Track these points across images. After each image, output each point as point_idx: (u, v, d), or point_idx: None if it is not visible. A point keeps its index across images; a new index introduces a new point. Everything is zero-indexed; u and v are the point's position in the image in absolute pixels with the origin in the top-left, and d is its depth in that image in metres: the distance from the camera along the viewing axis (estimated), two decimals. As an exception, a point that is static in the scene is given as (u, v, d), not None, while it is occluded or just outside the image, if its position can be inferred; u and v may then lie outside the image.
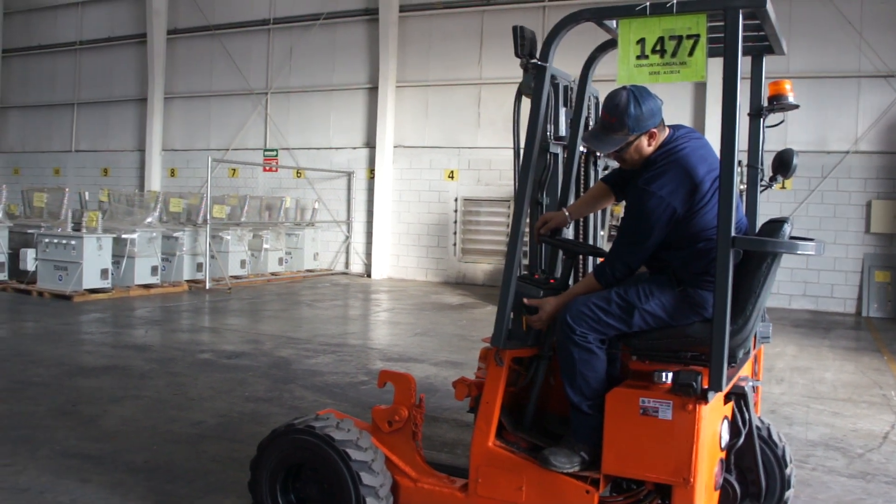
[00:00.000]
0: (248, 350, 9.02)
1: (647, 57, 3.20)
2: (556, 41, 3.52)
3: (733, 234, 3.10)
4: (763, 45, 4.01)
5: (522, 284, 3.73)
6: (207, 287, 14.81)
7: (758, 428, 3.98)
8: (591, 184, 4.52)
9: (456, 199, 17.83)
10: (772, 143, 4.29)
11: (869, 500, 4.91)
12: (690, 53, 3.13)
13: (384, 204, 18.34)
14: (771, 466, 4.09)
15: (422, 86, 18.26)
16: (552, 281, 3.89)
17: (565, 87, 4.38)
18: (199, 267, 15.24)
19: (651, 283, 3.54)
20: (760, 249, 3.31)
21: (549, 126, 4.21)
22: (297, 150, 19.70)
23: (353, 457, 3.70)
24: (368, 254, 18.75)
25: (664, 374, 3.32)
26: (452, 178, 17.82)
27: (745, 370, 3.88)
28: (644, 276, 3.64)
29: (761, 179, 4.22)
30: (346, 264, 19.28)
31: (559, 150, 4.34)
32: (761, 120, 4.19)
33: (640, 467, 3.31)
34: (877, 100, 14.38)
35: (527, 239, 4.06)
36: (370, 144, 18.69)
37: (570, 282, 4.06)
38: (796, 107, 4.20)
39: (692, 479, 3.18)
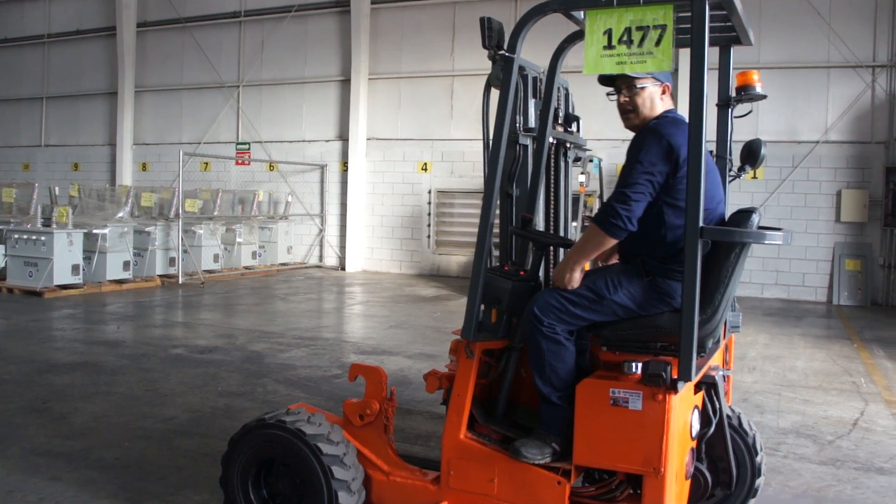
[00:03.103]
0: (221, 345, 8.97)
1: (613, 47, 3.20)
2: (524, 32, 3.51)
3: (701, 224, 3.10)
4: (731, 36, 4.03)
5: (492, 276, 3.72)
6: (180, 282, 14.72)
7: (728, 417, 4.00)
8: (562, 175, 4.51)
9: (429, 192, 17.81)
10: (743, 133, 4.32)
11: (839, 487, 4.97)
12: (657, 43, 3.13)
13: (358, 196, 18.28)
14: (742, 455, 4.12)
15: (394, 78, 18.20)
16: (522, 273, 3.88)
17: (534, 79, 4.37)
18: (172, 262, 15.11)
19: (620, 274, 3.54)
20: (728, 240, 3.32)
21: (518, 117, 4.20)
22: (270, 144, 19.58)
23: (324, 451, 3.68)
24: (342, 247, 18.69)
25: (634, 364, 3.32)
26: (426, 170, 17.79)
27: (716, 359, 3.91)
28: (613, 267, 3.65)
29: (730, 170, 4.25)
30: (320, 257, 19.21)
31: (529, 142, 4.33)
32: (729, 110, 4.22)
33: (611, 458, 3.32)
34: (846, 90, 14.52)
35: (496, 230, 4.04)
36: (343, 137, 18.62)
37: (541, 273, 4.07)
38: (764, 97, 4.22)
39: (663, 469, 3.20)
